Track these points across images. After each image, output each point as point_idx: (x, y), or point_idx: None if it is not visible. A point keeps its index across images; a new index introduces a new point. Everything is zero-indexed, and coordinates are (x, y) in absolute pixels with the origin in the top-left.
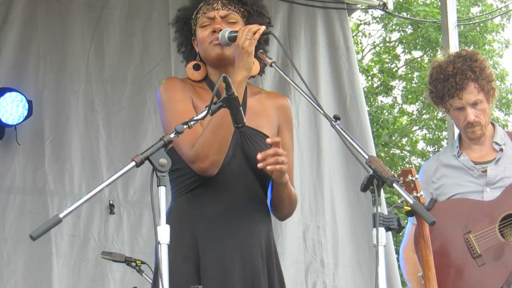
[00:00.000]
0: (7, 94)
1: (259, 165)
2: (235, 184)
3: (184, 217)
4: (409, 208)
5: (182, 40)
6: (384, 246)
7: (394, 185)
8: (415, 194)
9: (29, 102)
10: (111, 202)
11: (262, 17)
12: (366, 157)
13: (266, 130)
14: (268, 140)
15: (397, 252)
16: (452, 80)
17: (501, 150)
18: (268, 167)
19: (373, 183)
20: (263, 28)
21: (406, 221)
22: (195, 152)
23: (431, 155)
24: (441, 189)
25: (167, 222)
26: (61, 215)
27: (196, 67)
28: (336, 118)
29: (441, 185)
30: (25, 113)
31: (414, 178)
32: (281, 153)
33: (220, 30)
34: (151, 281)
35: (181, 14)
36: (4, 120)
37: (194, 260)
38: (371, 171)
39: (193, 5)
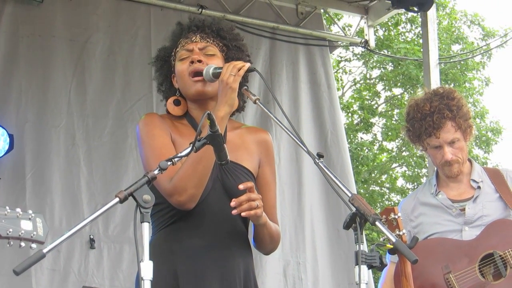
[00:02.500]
0: None
1: (234, 211)
2: (214, 218)
3: (164, 251)
4: (392, 246)
5: (162, 79)
6: (366, 283)
7: (377, 223)
8: (397, 232)
9: (11, 136)
10: (92, 236)
11: (241, 52)
12: (349, 195)
13: (247, 163)
14: (240, 187)
15: None
16: (430, 119)
17: (479, 187)
18: (243, 214)
19: (356, 221)
20: (247, 65)
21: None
22: (173, 186)
23: (410, 192)
24: (419, 227)
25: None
26: (44, 251)
27: (177, 102)
28: (320, 155)
29: (419, 223)
30: (6, 147)
31: (396, 216)
32: (254, 198)
33: (198, 61)
34: None
35: (161, 53)
36: None
37: None
38: (354, 209)
39: (172, 43)
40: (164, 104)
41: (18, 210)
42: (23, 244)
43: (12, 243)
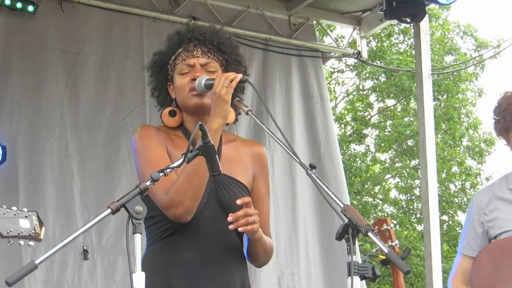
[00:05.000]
0: None
1: (230, 226)
2: (209, 231)
3: (158, 264)
4: (384, 257)
5: (157, 85)
6: None
7: (369, 234)
8: (390, 243)
9: (3, 148)
10: (85, 247)
11: (240, 66)
12: (342, 205)
13: (241, 177)
14: (238, 202)
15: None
16: None
17: None
18: (240, 229)
19: (348, 232)
20: (239, 76)
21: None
22: (169, 199)
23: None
24: (494, 222)
25: (142, 269)
26: (37, 262)
27: (172, 113)
28: (312, 166)
29: (494, 218)
30: None
31: (389, 227)
32: (251, 213)
33: None
34: None
35: (157, 59)
36: None
37: None
38: (346, 220)
39: (170, 50)
40: (158, 110)
41: (14, 208)
42: (22, 242)
43: (12, 242)
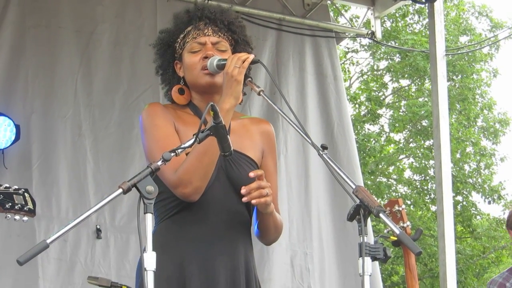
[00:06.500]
0: None
1: (244, 199)
2: (218, 207)
3: (168, 241)
4: (395, 238)
5: (163, 63)
6: (370, 275)
7: (381, 215)
8: (401, 224)
9: (17, 127)
10: (98, 226)
11: (248, 46)
12: (353, 186)
13: (250, 153)
14: (251, 174)
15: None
16: None
17: None
18: (253, 201)
19: (360, 213)
20: (252, 56)
21: (393, 250)
22: (178, 178)
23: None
24: None
25: (153, 247)
26: (48, 241)
27: (180, 91)
28: (324, 147)
29: None
30: (13, 137)
31: (401, 208)
32: (264, 186)
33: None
34: None
35: (165, 37)
36: None
37: (179, 282)
38: (357, 201)
39: (178, 28)
40: (162, 89)
41: (6, 185)
42: (17, 217)
43: (9, 216)
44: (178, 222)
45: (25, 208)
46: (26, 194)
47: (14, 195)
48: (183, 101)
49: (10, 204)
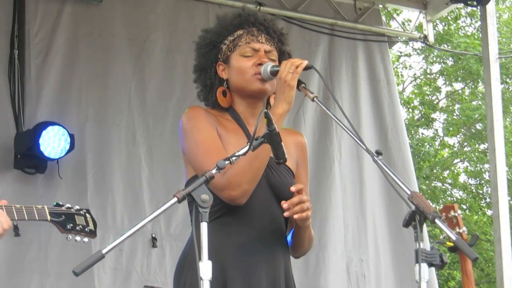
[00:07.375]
0: (50, 128)
1: (286, 213)
2: (260, 214)
3: (211, 246)
4: (452, 244)
5: (205, 62)
6: (427, 282)
7: (436, 221)
8: (457, 230)
9: (71, 136)
10: (154, 235)
11: (288, 58)
12: (408, 192)
13: (288, 162)
14: (292, 189)
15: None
16: None
17: None
18: (295, 216)
19: (415, 219)
20: (305, 62)
21: (449, 256)
22: (226, 180)
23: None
24: None
25: (190, 250)
26: (103, 251)
27: (224, 94)
28: (378, 153)
29: None
30: (67, 147)
31: (456, 214)
32: (305, 200)
33: None
34: None
35: (211, 36)
36: (46, 154)
37: (221, 285)
38: (413, 207)
39: (226, 29)
40: (196, 88)
41: (68, 205)
42: (78, 238)
43: (70, 237)
44: (221, 226)
45: (86, 229)
46: (87, 215)
47: (76, 216)
48: (226, 104)
49: (71, 225)
